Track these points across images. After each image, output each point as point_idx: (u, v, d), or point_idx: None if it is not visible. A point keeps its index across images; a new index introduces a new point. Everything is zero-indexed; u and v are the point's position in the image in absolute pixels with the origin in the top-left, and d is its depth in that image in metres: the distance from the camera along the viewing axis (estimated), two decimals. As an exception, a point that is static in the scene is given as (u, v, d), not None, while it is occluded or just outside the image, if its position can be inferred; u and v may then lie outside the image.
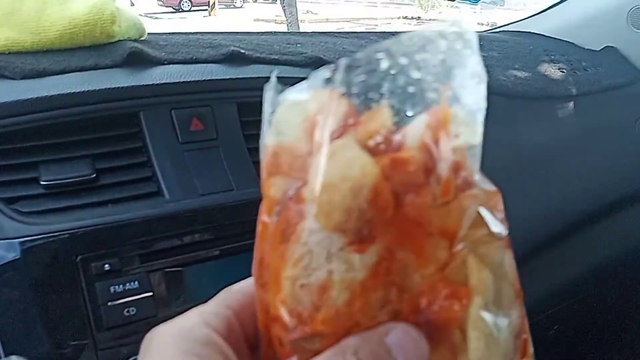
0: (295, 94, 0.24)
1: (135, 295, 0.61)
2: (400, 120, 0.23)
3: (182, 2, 13.84)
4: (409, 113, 0.24)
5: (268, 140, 0.25)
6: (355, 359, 0.21)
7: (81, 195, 0.64)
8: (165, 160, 0.68)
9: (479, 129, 0.24)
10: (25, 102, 0.63)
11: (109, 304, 0.60)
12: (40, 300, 0.58)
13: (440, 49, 0.23)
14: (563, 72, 1.11)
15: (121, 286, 0.61)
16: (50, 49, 0.75)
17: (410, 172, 0.22)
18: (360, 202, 0.21)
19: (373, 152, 0.22)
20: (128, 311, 0.61)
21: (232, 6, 14.15)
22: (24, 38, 0.73)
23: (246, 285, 0.27)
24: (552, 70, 1.11)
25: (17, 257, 0.58)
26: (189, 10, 13.61)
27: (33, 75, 0.68)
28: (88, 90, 0.66)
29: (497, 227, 0.23)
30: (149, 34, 0.89)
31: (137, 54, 0.74)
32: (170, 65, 0.76)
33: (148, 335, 0.25)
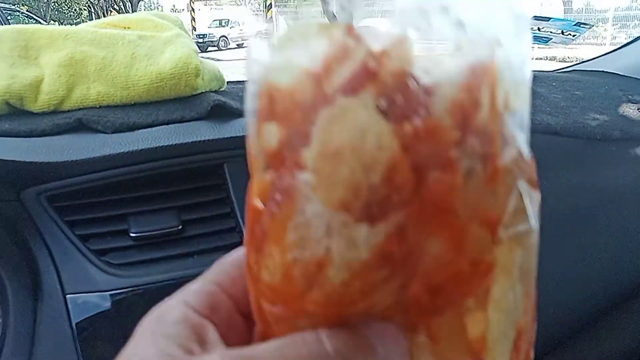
0: (301, 27, 0.19)
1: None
2: (429, 60, 0.19)
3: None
4: (448, 59, 0.19)
5: (263, 80, 0.20)
6: (332, 347, 0.20)
7: (168, 247, 0.65)
8: (249, 211, 0.69)
9: (526, 91, 0.20)
10: (117, 155, 0.65)
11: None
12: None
13: None
14: (643, 112, 1.07)
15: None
16: (138, 102, 0.77)
17: (437, 145, 0.18)
18: (371, 178, 0.18)
19: (393, 114, 0.18)
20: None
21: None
22: (113, 92, 0.76)
23: (239, 256, 0.26)
24: (631, 111, 1.07)
25: (108, 309, 0.59)
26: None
27: (124, 129, 0.70)
28: (176, 144, 0.67)
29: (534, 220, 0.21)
30: (228, 82, 0.92)
31: (220, 107, 0.76)
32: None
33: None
